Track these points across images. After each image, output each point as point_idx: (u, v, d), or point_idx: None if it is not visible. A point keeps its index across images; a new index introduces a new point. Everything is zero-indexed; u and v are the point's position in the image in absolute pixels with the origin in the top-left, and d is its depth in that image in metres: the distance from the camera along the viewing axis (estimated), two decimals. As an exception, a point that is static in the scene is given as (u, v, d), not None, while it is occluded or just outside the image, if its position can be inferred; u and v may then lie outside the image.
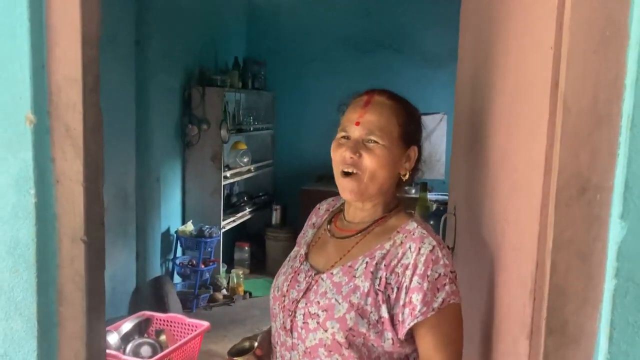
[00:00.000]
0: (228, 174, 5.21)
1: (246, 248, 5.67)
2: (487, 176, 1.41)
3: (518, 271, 1.13)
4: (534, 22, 1.08)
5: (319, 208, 1.48)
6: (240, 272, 5.22)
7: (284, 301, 1.29)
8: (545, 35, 0.98)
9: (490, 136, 1.39)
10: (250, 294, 5.09)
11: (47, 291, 1.13)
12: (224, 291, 5.02)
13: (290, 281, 1.30)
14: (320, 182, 5.75)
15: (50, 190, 1.11)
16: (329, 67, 6.06)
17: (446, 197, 3.45)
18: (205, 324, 3.62)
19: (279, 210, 5.86)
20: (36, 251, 1.10)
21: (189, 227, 4.83)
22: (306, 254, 1.36)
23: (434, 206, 3.03)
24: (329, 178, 5.58)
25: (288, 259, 1.41)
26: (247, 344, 1.37)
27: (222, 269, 5.16)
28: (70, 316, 1.15)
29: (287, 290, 1.29)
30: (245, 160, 5.52)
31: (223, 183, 5.08)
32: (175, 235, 4.86)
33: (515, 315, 1.13)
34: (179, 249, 4.92)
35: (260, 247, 5.83)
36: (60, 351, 1.16)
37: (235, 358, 1.33)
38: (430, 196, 3.59)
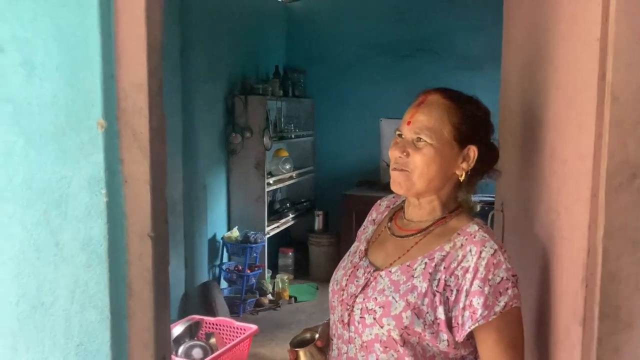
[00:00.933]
0: (271, 180, 5.30)
1: (290, 254, 5.74)
2: (537, 173, 1.42)
3: (570, 260, 1.14)
4: (580, 15, 1.10)
5: (380, 204, 1.49)
6: (285, 277, 5.28)
7: (342, 295, 1.31)
8: (592, 27, 1.00)
9: (540, 133, 1.40)
10: (295, 298, 5.15)
11: (117, 285, 1.20)
12: (270, 296, 5.09)
13: (350, 276, 1.33)
14: (360, 187, 5.81)
15: (120, 190, 1.18)
16: (367, 73, 6.09)
17: (488, 198, 3.45)
18: (254, 327, 3.69)
19: (322, 216, 5.90)
20: (107, 248, 1.18)
21: (235, 233, 4.93)
22: (366, 250, 1.37)
23: (478, 207, 3.02)
24: (370, 183, 5.62)
25: (348, 253, 1.43)
26: (308, 335, 1.38)
27: (267, 274, 5.23)
28: (140, 309, 1.21)
29: (345, 285, 1.32)
30: (287, 167, 5.60)
31: (266, 190, 5.17)
32: (221, 241, 4.96)
33: (567, 304, 1.15)
34: (225, 255, 5.01)
35: (304, 252, 5.89)
36: (130, 342, 1.22)
37: (296, 349, 1.34)
38: (474, 198, 3.57)
